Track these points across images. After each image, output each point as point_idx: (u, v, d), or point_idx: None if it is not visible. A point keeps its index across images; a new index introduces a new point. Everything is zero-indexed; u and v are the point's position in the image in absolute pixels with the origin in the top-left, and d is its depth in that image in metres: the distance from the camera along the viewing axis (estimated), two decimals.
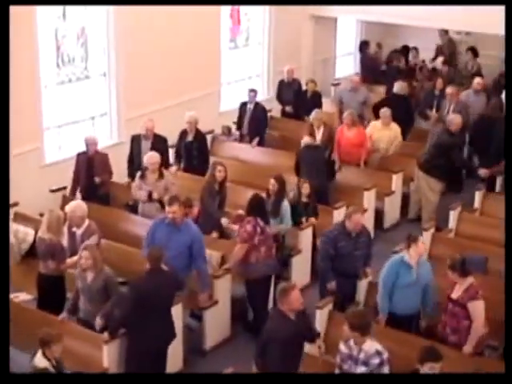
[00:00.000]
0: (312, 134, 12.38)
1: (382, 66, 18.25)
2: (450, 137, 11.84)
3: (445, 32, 18.08)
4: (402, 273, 8.17)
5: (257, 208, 9.26)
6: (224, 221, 10.33)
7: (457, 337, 7.83)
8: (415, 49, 17.98)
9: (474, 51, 16.89)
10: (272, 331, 7.10)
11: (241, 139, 13.96)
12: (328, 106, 15.36)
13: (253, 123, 13.79)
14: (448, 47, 18.17)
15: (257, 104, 13.85)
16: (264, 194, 10.05)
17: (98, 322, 7.98)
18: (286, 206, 10.05)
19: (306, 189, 10.51)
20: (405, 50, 18.39)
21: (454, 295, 7.84)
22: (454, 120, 11.99)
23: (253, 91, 13.89)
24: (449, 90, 13.75)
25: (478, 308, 7.74)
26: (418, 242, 8.16)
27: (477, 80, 14.42)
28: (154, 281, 7.78)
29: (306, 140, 11.87)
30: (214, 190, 10.30)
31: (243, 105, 13.92)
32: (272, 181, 10.09)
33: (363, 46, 18.65)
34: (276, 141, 14.24)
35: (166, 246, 8.38)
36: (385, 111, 13.10)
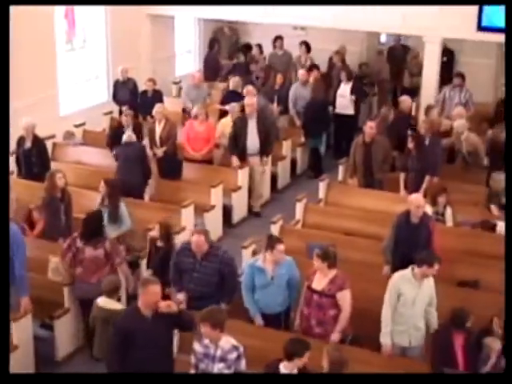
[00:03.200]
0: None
1: (221, 63, 18.37)
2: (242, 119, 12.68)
3: (220, 28, 18.95)
4: (256, 275, 8.24)
5: (89, 228, 8.96)
6: None
7: (323, 328, 7.92)
8: (258, 45, 18.14)
9: (306, 45, 17.29)
10: (117, 323, 7.06)
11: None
12: (170, 104, 15.32)
13: None
14: (226, 40, 19.08)
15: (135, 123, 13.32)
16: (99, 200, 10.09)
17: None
18: (122, 208, 10.01)
19: None
20: (246, 46, 18.59)
21: (318, 286, 7.91)
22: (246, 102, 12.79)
23: (128, 115, 13.22)
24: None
25: (346, 297, 7.90)
26: (276, 247, 8.12)
27: (301, 72, 15.16)
28: None
29: (124, 137, 11.80)
30: (56, 199, 10.04)
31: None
32: (101, 183, 10.03)
33: (212, 43, 18.77)
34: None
35: None
36: (233, 106, 13.25)
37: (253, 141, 12.56)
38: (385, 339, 7.91)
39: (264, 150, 12.69)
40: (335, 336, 7.90)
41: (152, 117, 13.25)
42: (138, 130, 12.80)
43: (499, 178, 10.74)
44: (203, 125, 12.91)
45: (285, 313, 8.38)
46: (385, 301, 7.93)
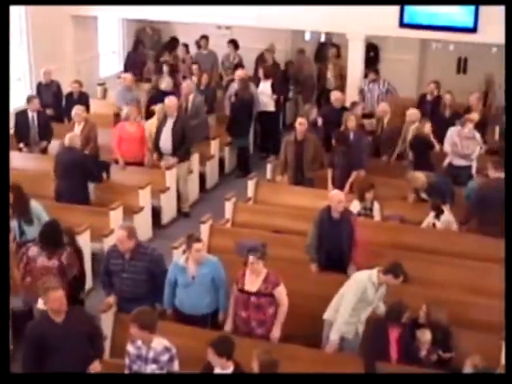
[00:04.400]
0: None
1: (147, 63, 18.21)
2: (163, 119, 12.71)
3: (143, 28, 19.03)
4: (178, 274, 8.22)
5: (43, 238, 8.63)
6: None
7: (264, 328, 7.92)
8: (185, 45, 18.05)
9: (234, 43, 17.32)
10: (27, 330, 7.01)
11: (20, 150, 13.15)
12: (95, 106, 15.14)
13: (41, 131, 13.20)
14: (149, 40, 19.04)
15: (39, 111, 13.28)
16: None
17: None
18: (34, 206, 9.75)
19: None
20: (171, 45, 18.49)
21: (252, 287, 7.88)
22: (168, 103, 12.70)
23: (33, 97, 13.36)
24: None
25: (283, 292, 7.91)
26: (193, 246, 8.11)
27: (238, 72, 15.09)
28: None
29: (65, 140, 11.53)
30: None
31: (22, 113, 13.24)
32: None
33: (136, 44, 18.61)
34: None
35: None
36: (160, 107, 13.10)
37: (166, 141, 12.52)
38: (336, 335, 7.93)
39: (175, 152, 12.57)
40: (276, 332, 7.93)
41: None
42: (43, 121, 13.00)
43: (415, 176, 10.94)
44: (134, 125, 12.83)
45: (212, 315, 8.35)
46: (348, 298, 7.91)
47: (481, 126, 12.88)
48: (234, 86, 14.97)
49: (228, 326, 8.11)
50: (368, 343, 7.71)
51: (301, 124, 11.71)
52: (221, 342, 6.76)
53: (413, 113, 12.70)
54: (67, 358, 6.88)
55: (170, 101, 12.67)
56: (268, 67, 15.86)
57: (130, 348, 7.01)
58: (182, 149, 12.57)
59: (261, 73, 15.29)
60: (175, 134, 12.47)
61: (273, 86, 15.10)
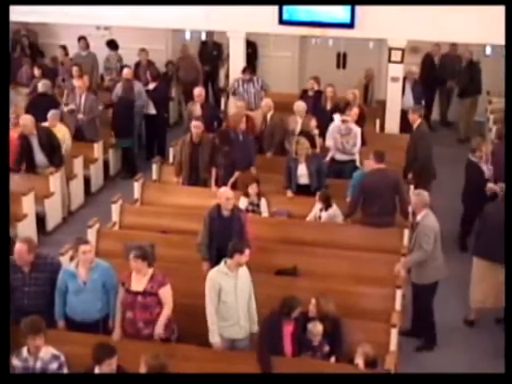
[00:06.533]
0: None
1: (23, 66, 17.72)
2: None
3: (17, 30, 18.48)
4: (69, 280, 8.07)
5: None
6: None
7: (151, 328, 7.87)
8: (63, 47, 17.63)
9: (112, 44, 17.11)
10: None
11: None
12: None
13: None
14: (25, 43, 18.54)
15: None
16: None
17: None
18: None
19: None
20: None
21: (139, 287, 7.84)
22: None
23: None
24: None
25: (168, 293, 7.88)
26: (79, 249, 7.99)
27: (125, 71, 14.98)
28: None
29: None
30: None
31: None
32: None
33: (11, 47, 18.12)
34: None
35: None
36: (52, 113, 12.78)
37: (38, 156, 12.13)
38: (213, 337, 7.91)
39: (51, 163, 12.22)
40: (158, 330, 7.85)
41: None
42: None
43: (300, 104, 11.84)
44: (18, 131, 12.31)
45: (103, 319, 8.23)
46: (206, 299, 7.92)
47: (361, 120, 13.16)
48: (119, 87, 14.80)
49: (116, 334, 7.98)
50: (261, 337, 7.78)
51: (196, 127, 11.62)
52: (98, 347, 6.74)
53: (299, 104, 12.92)
54: None
55: (24, 120, 12.08)
56: (156, 69, 15.85)
57: (15, 361, 6.86)
58: (55, 158, 12.19)
59: (148, 75, 15.26)
60: (43, 149, 12.07)
61: (156, 88, 15.02)
